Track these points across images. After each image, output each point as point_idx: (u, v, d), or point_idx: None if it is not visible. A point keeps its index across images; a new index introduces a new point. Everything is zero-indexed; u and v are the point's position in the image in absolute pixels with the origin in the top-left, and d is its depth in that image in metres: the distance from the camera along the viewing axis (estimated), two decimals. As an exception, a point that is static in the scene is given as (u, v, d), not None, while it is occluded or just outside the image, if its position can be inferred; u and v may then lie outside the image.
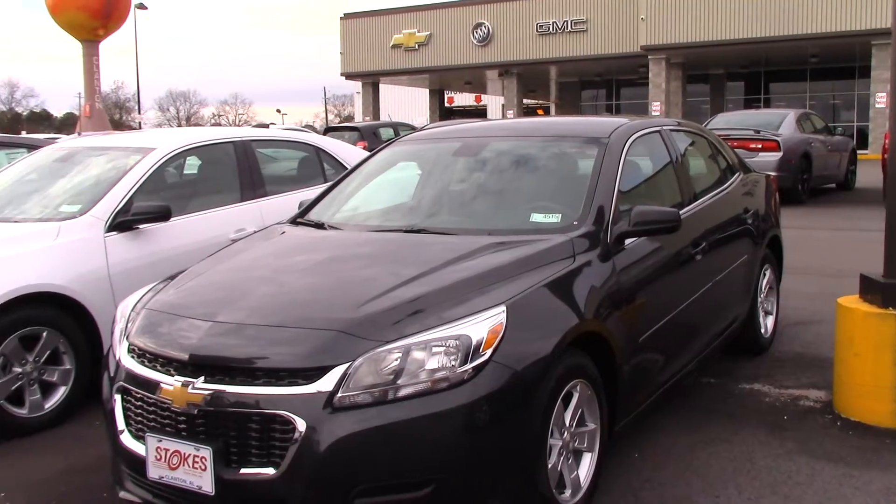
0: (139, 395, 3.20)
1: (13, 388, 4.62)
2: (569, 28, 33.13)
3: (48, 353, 4.76)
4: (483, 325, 3.02)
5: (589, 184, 4.03)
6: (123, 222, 5.17)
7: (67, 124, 60.03)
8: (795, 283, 7.64)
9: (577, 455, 3.45)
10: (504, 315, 3.07)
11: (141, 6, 46.15)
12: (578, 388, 3.37)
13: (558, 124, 5.34)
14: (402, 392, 2.90)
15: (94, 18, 34.81)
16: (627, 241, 3.91)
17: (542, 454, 3.14)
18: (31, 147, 8.41)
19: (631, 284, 3.84)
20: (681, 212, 4.16)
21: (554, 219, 3.92)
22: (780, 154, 15.05)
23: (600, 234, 3.80)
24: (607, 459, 3.72)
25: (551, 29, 33.46)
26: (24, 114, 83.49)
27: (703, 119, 18.51)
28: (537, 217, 3.97)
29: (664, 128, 5.02)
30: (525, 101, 39.23)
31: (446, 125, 5.75)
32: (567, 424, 3.34)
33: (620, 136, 4.36)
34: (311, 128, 47.82)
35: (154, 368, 3.18)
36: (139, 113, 58.00)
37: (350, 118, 68.11)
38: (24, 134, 25.79)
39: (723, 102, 37.79)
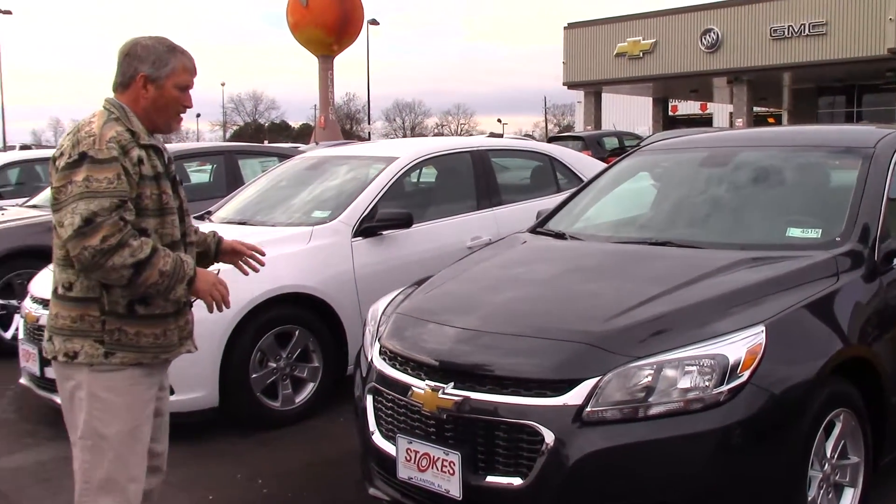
0: (390, 397, 3.31)
1: (268, 381, 4.95)
2: (806, 31, 31.28)
3: (299, 350, 5.06)
4: (741, 345, 2.87)
5: (853, 197, 3.74)
6: (368, 228, 5.41)
7: (303, 134, 64.04)
8: None
9: (838, 489, 3.22)
10: (763, 335, 2.91)
11: (373, 22, 48.43)
12: (842, 417, 3.14)
13: (812, 133, 5.02)
14: (653, 410, 2.82)
15: (330, 35, 37.10)
16: (896, 261, 3.60)
17: (801, 486, 2.95)
18: (282, 156, 9.00)
19: (900, 307, 3.53)
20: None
21: (814, 234, 3.68)
22: None
23: (865, 251, 3.52)
24: (871, 498, 3.43)
25: (786, 33, 31.72)
26: (266, 124, 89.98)
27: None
28: (795, 232, 3.74)
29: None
30: (755, 109, 37.46)
31: (687, 134, 5.57)
32: (828, 456, 3.12)
33: (888, 146, 4.02)
34: (531, 137, 48.15)
35: (405, 371, 3.28)
36: (368, 123, 60.83)
37: (570, 127, 68.01)
38: (265, 143, 27.88)
39: None
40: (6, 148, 41.38)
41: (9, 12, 49.55)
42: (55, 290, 2.75)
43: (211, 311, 2.83)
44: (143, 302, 2.70)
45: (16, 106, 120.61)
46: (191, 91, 2.84)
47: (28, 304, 5.24)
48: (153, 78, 2.74)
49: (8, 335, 6.87)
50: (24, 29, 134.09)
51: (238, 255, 3.15)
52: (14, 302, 6.82)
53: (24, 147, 38.10)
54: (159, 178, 2.73)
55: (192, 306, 2.90)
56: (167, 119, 2.81)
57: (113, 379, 2.70)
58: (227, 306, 2.84)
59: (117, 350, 2.69)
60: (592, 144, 21.11)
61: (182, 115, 2.86)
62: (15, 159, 11.57)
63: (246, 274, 3.18)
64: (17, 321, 6.31)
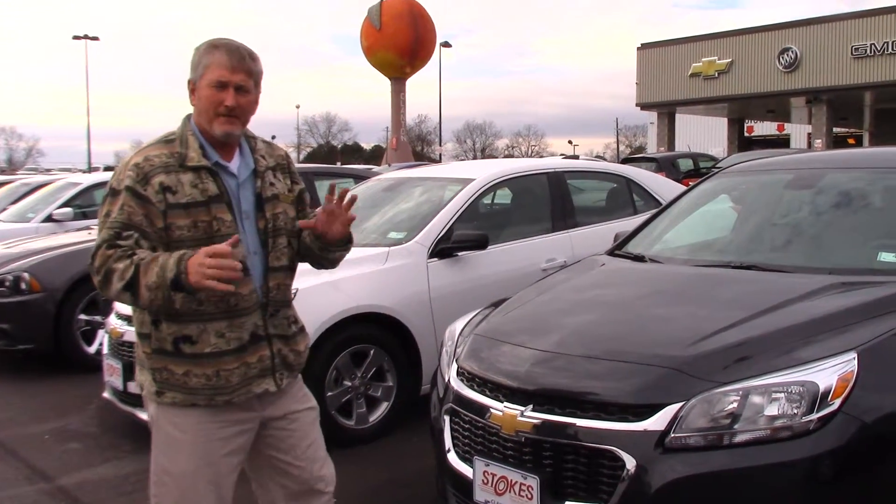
0: (468, 418, 3.29)
1: (343, 400, 4.98)
2: (889, 49, 30.45)
3: (374, 369, 5.09)
4: (831, 372, 2.78)
5: (947, 220, 3.61)
6: (444, 249, 5.42)
7: (375, 156, 64.76)
8: None
9: (933, 525, 3.07)
10: (855, 362, 2.81)
11: (445, 44, 48.87)
12: (937, 449, 3.00)
13: (902, 154, 4.85)
14: (739, 438, 2.74)
15: (403, 57, 37.46)
16: None
17: (893, 520, 2.82)
18: (357, 177, 9.10)
19: None
20: None
21: (906, 259, 3.56)
22: None
23: (962, 277, 3.38)
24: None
25: (868, 51, 30.93)
26: (339, 146, 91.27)
27: None
28: (887, 256, 3.61)
29: None
30: (834, 129, 36.55)
31: (764, 156, 5.45)
32: (922, 489, 2.98)
33: (983, 167, 3.88)
34: (602, 158, 47.79)
35: (483, 393, 3.25)
36: (440, 145, 61.27)
37: (642, 149, 67.36)
38: (338, 165, 28.33)
39: None
40: (91, 169, 42.81)
41: (97, 38, 51.59)
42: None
43: (222, 293, 2.39)
44: (187, 340, 2.50)
45: (100, 128, 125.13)
46: (232, 89, 2.52)
47: (113, 320, 5.38)
48: (194, 81, 2.57)
49: (92, 349, 7.06)
50: (110, 52, 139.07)
51: (333, 216, 2.69)
52: (98, 318, 7.01)
53: (108, 168, 39.28)
54: (211, 202, 2.50)
55: (271, 339, 2.62)
56: (209, 122, 2.53)
57: (178, 415, 2.57)
58: (236, 276, 2.32)
59: (167, 390, 2.55)
60: (666, 166, 20.84)
61: (223, 115, 2.52)
62: (101, 180, 11.94)
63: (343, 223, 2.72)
64: (101, 336, 6.49)
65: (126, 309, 5.34)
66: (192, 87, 2.58)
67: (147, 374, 2.60)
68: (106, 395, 5.49)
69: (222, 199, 2.53)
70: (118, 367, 5.15)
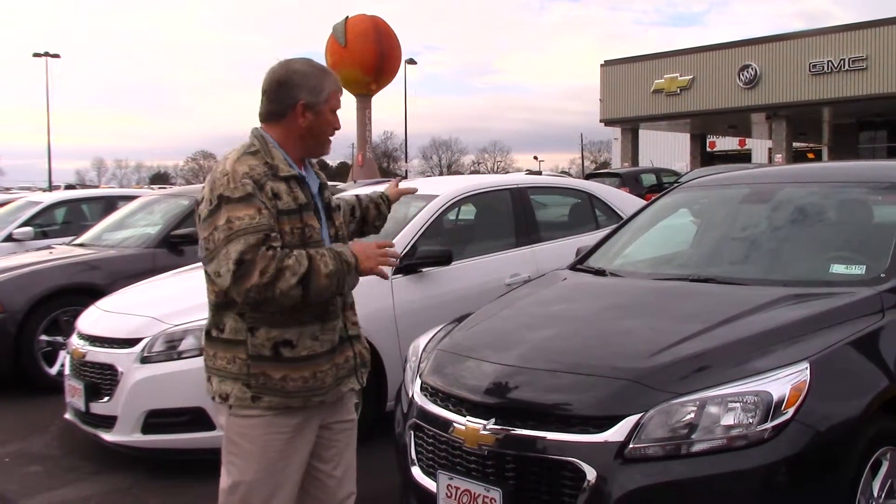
0: (431, 433, 3.32)
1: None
2: (846, 66, 31.08)
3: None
4: (785, 382, 2.85)
5: (898, 233, 3.71)
6: (408, 265, 5.44)
7: (341, 173, 64.66)
8: None
9: (886, 530, 3.15)
10: (808, 372, 2.88)
11: (411, 61, 49.02)
12: (889, 455, 3.08)
13: (855, 168, 5.00)
14: (696, 448, 2.80)
15: (368, 74, 37.51)
16: (944, 297, 3.55)
17: (847, 525, 2.89)
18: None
19: (948, 345, 3.47)
20: None
21: (858, 270, 3.65)
22: None
23: (911, 288, 3.48)
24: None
25: (825, 68, 31.57)
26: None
27: None
28: (838, 268, 3.71)
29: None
30: (794, 144, 37.18)
31: (725, 171, 5.56)
32: (875, 495, 3.05)
33: (932, 181, 3.99)
34: (567, 173, 48.12)
35: (446, 408, 3.28)
36: (405, 161, 61.34)
37: (606, 164, 68.01)
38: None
39: None
40: (52, 188, 42.30)
41: (57, 55, 51.02)
42: (209, 332, 2.71)
43: (385, 276, 2.89)
44: (287, 344, 2.61)
45: (61, 146, 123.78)
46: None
47: (75, 341, 5.34)
48: (311, 104, 2.68)
49: (53, 371, 6.99)
50: (71, 70, 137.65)
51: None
52: (60, 339, 6.94)
53: (70, 187, 38.91)
54: (302, 209, 2.63)
55: (352, 340, 2.80)
56: (323, 143, 2.76)
57: (247, 426, 2.64)
58: (397, 259, 2.88)
59: (264, 394, 2.61)
60: (630, 181, 21.06)
61: (332, 136, 2.80)
62: (62, 199, 11.82)
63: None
64: (63, 357, 6.42)
65: (88, 329, 5.30)
66: (307, 109, 2.69)
67: (235, 383, 2.64)
68: (68, 416, 5.42)
69: (310, 206, 2.68)
70: (80, 387, 5.11)
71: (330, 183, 3.06)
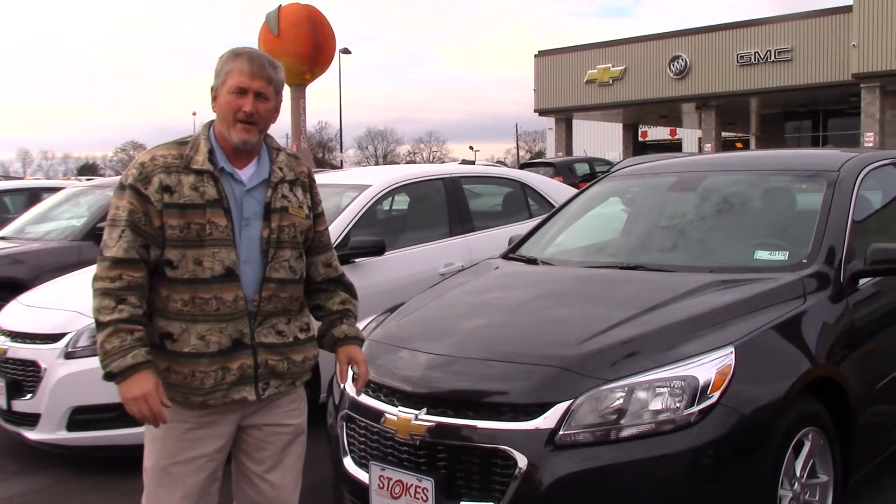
0: (363, 424, 3.30)
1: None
2: (772, 58, 31.83)
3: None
4: (710, 367, 2.91)
5: (818, 220, 3.81)
6: (341, 256, 5.37)
7: (276, 163, 63.64)
8: None
9: (809, 509, 3.24)
10: (733, 356, 2.95)
11: (345, 51, 48.58)
12: (810, 436, 3.18)
13: (779, 157, 5.11)
14: (625, 433, 2.83)
15: (303, 64, 36.96)
16: (862, 282, 3.67)
17: (772, 505, 2.96)
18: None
19: (866, 327, 3.60)
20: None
21: (781, 256, 3.74)
22: None
23: (832, 273, 3.58)
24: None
25: (753, 59, 32.26)
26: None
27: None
28: (762, 254, 3.79)
29: (898, 159, 4.68)
30: (723, 133, 37.96)
31: (656, 160, 5.63)
32: (798, 475, 3.14)
33: (852, 170, 4.10)
34: (503, 163, 48.34)
35: (378, 398, 3.27)
36: (341, 152, 60.91)
37: (541, 154, 68.45)
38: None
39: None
40: (-26, 179, 40.92)
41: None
42: None
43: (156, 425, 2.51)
44: (168, 337, 2.54)
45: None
46: (252, 96, 2.54)
47: (-4, 337, 5.17)
48: (214, 88, 2.60)
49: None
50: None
51: (343, 365, 2.93)
52: (-19, 334, 6.71)
53: (-7, 177, 37.68)
54: (208, 206, 2.50)
55: (257, 348, 2.59)
56: (228, 127, 2.55)
57: None
58: (161, 420, 2.46)
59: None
60: (563, 170, 21.28)
61: (241, 122, 2.54)
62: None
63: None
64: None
65: (9, 324, 5.14)
66: (214, 94, 2.61)
67: None
68: (-11, 414, 5.25)
69: (220, 204, 2.54)
70: (1, 385, 4.95)
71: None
